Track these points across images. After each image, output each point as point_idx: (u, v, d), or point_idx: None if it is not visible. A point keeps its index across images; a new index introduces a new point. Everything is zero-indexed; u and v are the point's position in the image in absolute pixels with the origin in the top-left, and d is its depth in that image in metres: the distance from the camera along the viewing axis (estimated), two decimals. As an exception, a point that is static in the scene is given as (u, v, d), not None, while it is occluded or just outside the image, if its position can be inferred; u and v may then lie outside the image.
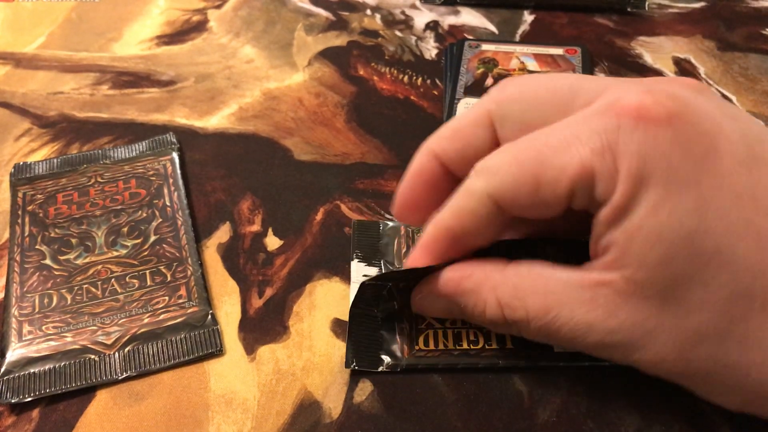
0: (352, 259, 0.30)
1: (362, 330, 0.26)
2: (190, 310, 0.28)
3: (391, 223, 0.31)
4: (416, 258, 0.24)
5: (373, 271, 0.29)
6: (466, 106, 0.38)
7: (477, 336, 0.26)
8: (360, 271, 0.29)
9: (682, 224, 0.19)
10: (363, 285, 0.25)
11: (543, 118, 0.22)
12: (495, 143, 0.24)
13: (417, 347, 0.26)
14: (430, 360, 0.26)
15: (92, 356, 0.26)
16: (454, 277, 0.24)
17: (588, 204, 0.21)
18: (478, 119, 0.24)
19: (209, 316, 0.28)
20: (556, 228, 0.26)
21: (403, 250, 0.30)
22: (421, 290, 0.25)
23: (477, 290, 0.23)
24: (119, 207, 0.32)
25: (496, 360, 0.25)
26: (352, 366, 0.26)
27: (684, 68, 0.42)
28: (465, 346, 0.26)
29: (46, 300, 0.28)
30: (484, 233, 0.23)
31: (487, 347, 0.26)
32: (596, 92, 0.22)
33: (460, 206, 0.23)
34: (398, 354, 0.26)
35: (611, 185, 0.20)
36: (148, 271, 0.29)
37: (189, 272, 0.29)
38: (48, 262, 0.30)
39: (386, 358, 0.26)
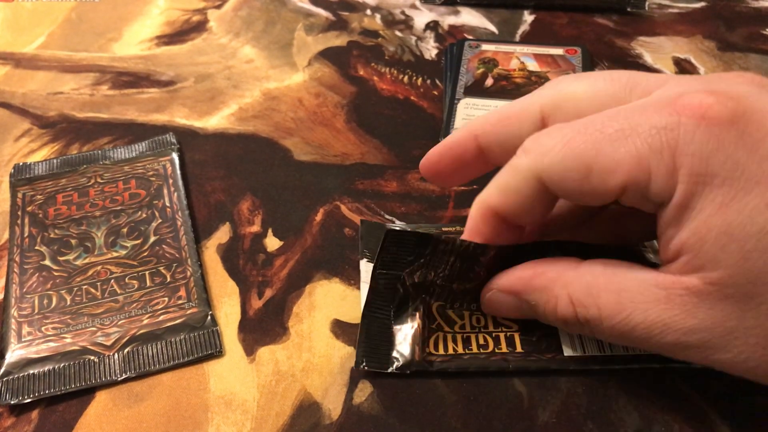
0: (361, 259, 0.30)
1: (374, 328, 0.26)
2: (189, 311, 0.28)
3: (397, 227, 0.31)
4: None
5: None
6: (466, 106, 0.38)
7: (486, 340, 0.26)
8: (369, 272, 0.29)
9: (753, 222, 0.18)
10: (389, 232, 0.24)
11: (598, 109, 0.22)
12: None
13: (428, 350, 0.26)
14: (442, 365, 0.25)
15: (92, 357, 0.26)
16: (525, 274, 0.23)
17: (639, 201, 0.20)
18: (528, 110, 0.24)
19: (209, 317, 0.28)
20: (599, 226, 0.26)
21: None
22: (490, 287, 0.25)
23: (549, 287, 0.23)
24: (119, 207, 0.32)
25: (506, 364, 0.25)
26: (362, 366, 0.25)
27: (684, 68, 0.42)
28: (475, 350, 0.26)
29: (45, 301, 0.28)
30: (529, 213, 0.23)
31: (497, 351, 0.26)
32: (656, 84, 0.21)
33: (505, 182, 0.22)
34: (409, 356, 0.25)
35: (670, 184, 0.19)
36: (147, 272, 0.29)
37: (189, 273, 0.29)
38: (47, 262, 0.30)
39: (397, 359, 0.25)
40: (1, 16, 0.49)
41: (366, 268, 0.29)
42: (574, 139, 0.21)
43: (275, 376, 0.26)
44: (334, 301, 0.29)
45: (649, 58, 0.42)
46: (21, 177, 0.34)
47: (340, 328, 0.28)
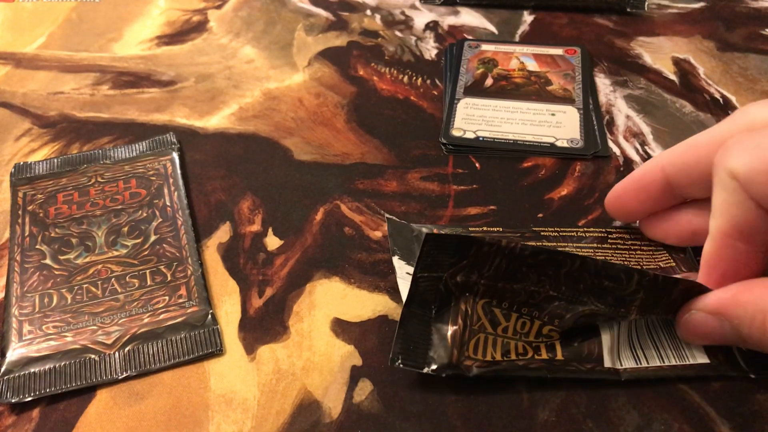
0: (393, 256, 0.29)
1: (412, 326, 0.25)
2: (190, 310, 0.28)
3: (424, 229, 0.30)
4: (703, 281, 0.23)
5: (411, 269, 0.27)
6: (466, 106, 0.38)
7: (526, 349, 0.25)
8: (403, 269, 0.28)
9: None
10: (428, 237, 0.24)
11: None
12: None
13: (467, 353, 0.25)
14: (479, 371, 0.24)
15: (92, 356, 0.26)
16: (725, 294, 0.22)
17: None
18: (717, 140, 0.23)
19: (209, 316, 0.28)
20: None
21: None
22: (690, 308, 0.24)
23: (756, 302, 0.21)
24: (119, 207, 0.32)
25: (545, 372, 0.24)
26: (397, 363, 0.24)
27: (684, 68, 0.42)
28: (513, 357, 0.25)
29: (46, 299, 0.28)
30: (761, 233, 0.22)
31: (536, 357, 0.25)
32: None
33: (723, 204, 0.22)
34: (446, 358, 0.24)
35: None
36: (148, 271, 0.29)
37: (189, 272, 0.29)
38: (48, 261, 0.30)
39: (434, 360, 0.24)
40: (2, 16, 0.49)
41: (399, 264, 0.28)
42: None
43: (275, 374, 0.26)
44: (335, 300, 0.29)
45: (648, 59, 0.43)
46: (21, 176, 0.34)
47: (340, 327, 0.28)
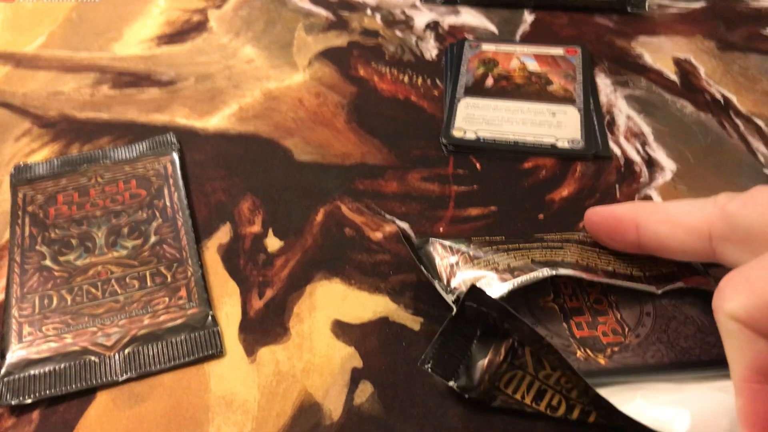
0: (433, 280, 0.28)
1: (453, 338, 0.24)
2: (190, 311, 0.28)
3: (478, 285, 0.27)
4: None
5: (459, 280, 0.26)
6: (466, 106, 0.38)
7: (560, 403, 0.24)
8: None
9: None
10: (472, 288, 0.23)
11: None
12: None
13: (498, 384, 0.24)
14: (503, 404, 0.24)
15: (92, 358, 0.26)
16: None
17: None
18: (698, 229, 0.23)
19: (209, 318, 0.28)
20: None
21: (443, 260, 0.28)
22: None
23: None
24: (119, 207, 0.32)
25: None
26: (426, 366, 0.24)
27: (684, 68, 0.42)
28: (542, 408, 0.24)
29: (46, 301, 0.28)
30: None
31: (567, 418, 0.24)
32: None
33: (735, 351, 0.21)
34: (476, 381, 0.24)
35: None
36: (148, 272, 0.29)
37: (189, 273, 0.29)
38: (48, 262, 0.30)
39: (463, 377, 0.24)
40: (2, 16, 0.49)
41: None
42: None
43: (276, 376, 0.26)
44: (335, 301, 0.29)
45: (649, 58, 0.42)
46: (21, 177, 0.34)
47: (340, 329, 0.28)
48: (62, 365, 0.26)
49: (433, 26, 0.46)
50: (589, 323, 0.26)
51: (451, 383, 0.24)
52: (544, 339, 0.22)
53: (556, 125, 0.37)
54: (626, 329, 0.25)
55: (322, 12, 0.48)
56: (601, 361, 0.24)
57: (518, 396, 0.24)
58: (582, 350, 0.25)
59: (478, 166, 0.35)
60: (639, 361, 0.24)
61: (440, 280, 0.27)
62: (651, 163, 0.35)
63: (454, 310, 0.24)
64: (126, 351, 0.26)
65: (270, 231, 0.32)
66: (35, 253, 0.30)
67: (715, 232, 0.23)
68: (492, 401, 0.24)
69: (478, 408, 0.25)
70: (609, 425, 0.23)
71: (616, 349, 0.25)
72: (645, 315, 0.26)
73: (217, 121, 0.39)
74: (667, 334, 0.24)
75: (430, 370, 0.24)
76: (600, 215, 0.27)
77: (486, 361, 0.24)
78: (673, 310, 0.26)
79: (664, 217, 0.24)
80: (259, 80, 0.42)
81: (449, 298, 0.26)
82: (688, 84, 0.40)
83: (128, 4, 0.50)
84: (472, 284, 0.23)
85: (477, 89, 0.40)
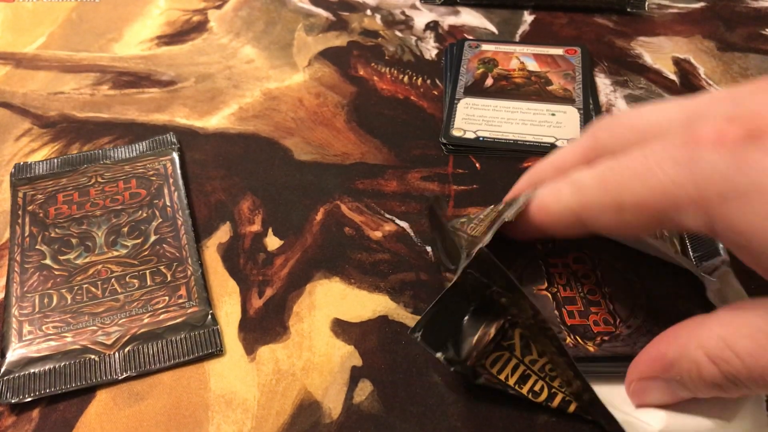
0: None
1: (444, 311, 0.24)
2: (190, 310, 0.28)
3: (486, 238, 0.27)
4: None
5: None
6: (466, 106, 0.38)
7: (542, 389, 0.24)
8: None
9: None
10: (481, 252, 0.23)
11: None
12: None
13: (484, 362, 0.24)
14: (487, 382, 0.24)
15: (92, 356, 0.26)
16: (656, 352, 0.22)
17: (686, 229, 0.20)
18: (579, 155, 0.24)
19: (209, 316, 0.28)
20: None
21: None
22: (630, 380, 0.23)
23: (685, 354, 0.21)
24: (119, 207, 0.32)
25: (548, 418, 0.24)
26: (415, 335, 0.23)
27: (684, 68, 0.42)
28: (524, 392, 0.24)
29: (46, 300, 0.28)
30: (563, 233, 0.23)
31: (547, 405, 0.24)
32: (685, 115, 0.21)
33: (546, 204, 0.23)
34: (464, 355, 0.23)
35: (703, 215, 0.19)
36: (148, 271, 0.29)
37: (189, 272, 0.29)
38: (48, 262, 0.30)
39: (450, 351, 0.23)
40: (2, 16, 0.49)
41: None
42: (607, 176, 0.21)
43: (275, 375, 0.26)
44: (335, 300, 0.29)
45: (648, 58, 0.43)
46: (21, 176, 0.34)
47: (340, 328, 0.28)
48: (62, 364, 0.26)
49: (433, 26, 0.47)
50: (581, 312, 0.26)
51: (439, 355, 0.24)
52: (539, 314, 0.22)
53: (556, 125, 0.37)
54: (617, 320, 0.25)
55: (322, 12, 0.48)
56: (590, 348, 0.25)
57: (502, 377, 0.24)
58: (572, 337, 0.25)
59: (477, 165, 0.35)
60: (628, 350, 0.24)
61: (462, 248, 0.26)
62: (650, 163, 0.35)
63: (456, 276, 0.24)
64: (126, 350, 0.27)
65: (270, 230, 0.32)
66: (35, 252, 0.30)
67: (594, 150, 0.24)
68: (476, 378, 0.24)
69: (478, 407, 0.25)
70: (588, 418, 0.24)
71: (606, 338, 0.25)
72: (638, 308, 0.26)
73: (217, 120, 0.39)
74: (659, 327, 0.24)
75: (419, 339, 0.23)
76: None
77: (475, 338, 0.24)
78: (665, 305, 0.26)
79: (550, 163, 0.25)
80: (259, 80, 0.42)
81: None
82: (688, 84, 0.40)
83: (128, 4, 0.50)
84: (480, 248, 0.23)
85: (477, 89, 0.40)
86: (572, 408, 0.24)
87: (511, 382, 0.24)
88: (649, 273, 0.27)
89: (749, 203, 0.18)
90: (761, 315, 0.20)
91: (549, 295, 0.26)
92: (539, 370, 0.24)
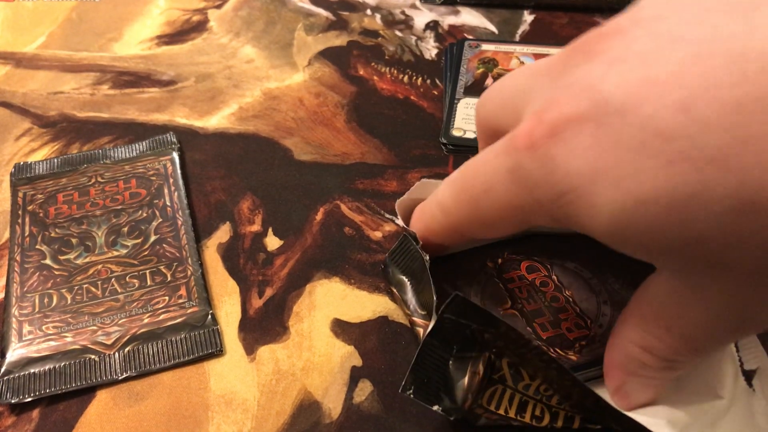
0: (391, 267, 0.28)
1: (430, 360, 0.23)
2: (190, 310, 0.28)
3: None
4: None
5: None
6: (466, 106, 0.38)
7: (543, 412, 0.23)
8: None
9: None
10: (456, 297, 0.22)
11: (505, 125, 0.22)
12: None
13: (481, 401, 0.23)
14: (487, 422, 0.23)
15: (92, 356, 0.26)
16: (609, 362, 0.23)
17: (554, 224, 0.20)
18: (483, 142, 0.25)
19: (209, 316, 0.28)
20: None
21: None
22: (609, 390, 0.23)
23: (626, 353, 0.22)
24: (119, 207, 0.32)
25: None
26: (408, 393, 0.23)
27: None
28: (527, 420, 0.23)
29: (46, 300, 0.28)
30: (464, 245, 0.25)
31: (553, 426, 0.23)
32: (523, 100, 0.21)
33: (431, 228, 0.24)
34: (459, 402, 0.23)
35: (550, 219, 0.19)
36: (148, 271, 0.29)
37: (189, 272, 0.29)
38: (48, 261, 0.30)
39: (445, 400, 0.23)
40: (2, 16, 0.49)
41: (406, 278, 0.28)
42: (460, 194, 0.22)
43: (275, 375, 0.26)
44: (335, 300, 0.29)
45: (648, 58, 0.42)
46: (21, 176, 0.34)
47: (340, 328, 0.28)
48: (62, 364, 0.26)
49: (433, 26, 0.47)
50: (551, 322, 0.26)
51: (435, 408, 0.23)
52: (530, 342, 0.22)
53: (556, 125, 0.37)
54: (588, 321, 0.26)
55: (322, 12, 0.48)
56: (573, 357, 0.25)
57: (501, 411, 0.23)
58: (552, 350, 0.25)
59: (477, 165, 0.35)
60: None
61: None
62: (650, 163, 0.35)
63: (430, 325, 0.23)
64: (126, 350, 0.27)
65: (270, 230, 0.32)
66: (35, 252, 0.30)
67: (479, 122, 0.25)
68: (476, 420, 0.23)
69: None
70: (593, 428, 0.23)
71: (583, 343, 0.25)
72: (603, 304, 0.26)
73: (217, 120, 0.39)
74: None
75: (412, 396, 0.23)
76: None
77: (466, 380, 0.23)
78: (626, 295, 0.26)
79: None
80: (259, 80, 0.42)
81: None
82: (688, 84, 0.40)
83: (128, 4, 0.50)
84: (456, 293, 0.22)
85: (477, 89, 0.40)
86: (576, 423, 0.23)
87: (512, 413, 0.23)
88: (599, 266, 0.27)
89: (572, 203, 0.18)
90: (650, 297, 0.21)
91: (516, 313, 0.26)
92: (534, 394, 0.23)
